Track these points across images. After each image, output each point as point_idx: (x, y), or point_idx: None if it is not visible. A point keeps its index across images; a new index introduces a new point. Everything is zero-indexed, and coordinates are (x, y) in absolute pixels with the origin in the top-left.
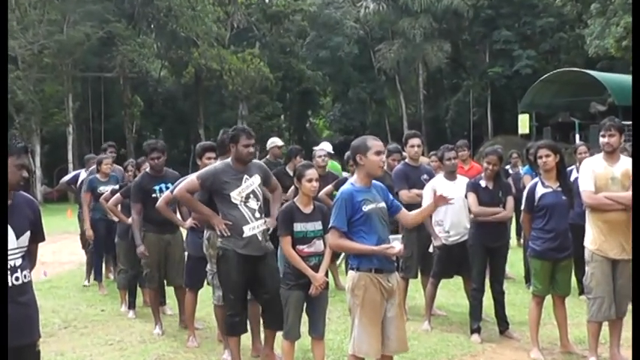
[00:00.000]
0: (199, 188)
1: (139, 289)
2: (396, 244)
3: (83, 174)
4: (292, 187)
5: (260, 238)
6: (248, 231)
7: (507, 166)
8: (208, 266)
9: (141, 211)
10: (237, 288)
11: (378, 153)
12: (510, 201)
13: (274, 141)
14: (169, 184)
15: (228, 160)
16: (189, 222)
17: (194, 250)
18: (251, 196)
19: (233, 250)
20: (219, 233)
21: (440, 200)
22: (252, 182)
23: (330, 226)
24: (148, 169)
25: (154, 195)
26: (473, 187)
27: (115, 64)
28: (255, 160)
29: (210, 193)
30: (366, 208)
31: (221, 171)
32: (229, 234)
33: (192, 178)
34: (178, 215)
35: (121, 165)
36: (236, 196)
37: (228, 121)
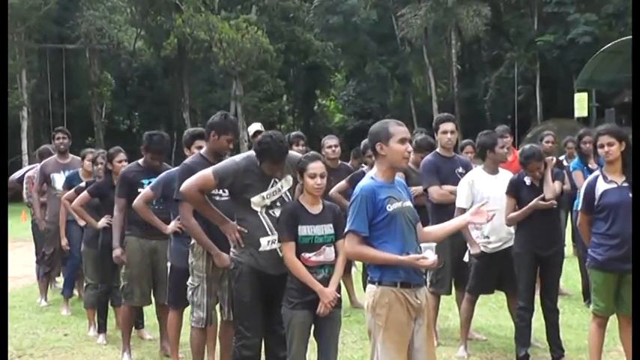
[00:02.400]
0: (214, 187)
1: (110, 308)
2: (428, 254)
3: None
4: (298, 185)
5: (281, 255)
6: (266, 244)
7: (562, 157)
8: (189, 279)
9: (124, 209)
10: (251, 312)
11: (403, 140)
12: (557, 184)
13: (255, 126)
14: None
15: (254, 154)
16: (173, 225)
17: (179, 260)
18: (277, 203)
19: (248, 265)
20: (232, 243)
21: (477, 217)
22: (282, 186)
23: (347, 229)
24: (140, 161)
25: (140, 190)
26: (515, 186)
27: (80, 33)
28: (291, 153)
29: (229, 192)
30: (390, 207)
31: (244, 170)
32: (243, 245)
33: (206, 174)
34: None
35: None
36: (258, 202)
37: (219, 102)
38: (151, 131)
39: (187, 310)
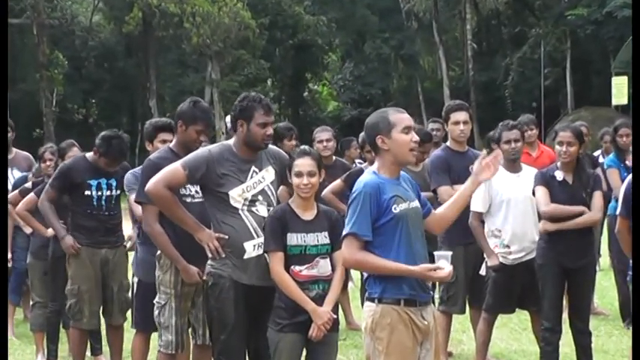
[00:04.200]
0: (185, 182)
1: (63, 331)
2: (443, 264)
3: None
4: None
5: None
6: (252, 250)
7: (597, 152)
8: (156, 297)
9: (54, 200)
10: (235, 336)
11: (407, 129)
12: (598, 198)
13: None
14: (113, 182)
15: (229, 142)
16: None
17: (147, 273)
18: (259, 197)
19: (230, 279)
20: (209, 254)
21: (486, 172)
22: (263, 178)
23: (346, 232)
24: (89, 155)
25: (87, 192)
26: (543, 179)
27: (25, 5)
28: (272, 147)
29: (201, 188)
30: (397, 208)
31: (218, 158)
32: (224, 255)
33: (173, 167)
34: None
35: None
36: (238, 195)
37: (191, 88)
38: (109, 132)
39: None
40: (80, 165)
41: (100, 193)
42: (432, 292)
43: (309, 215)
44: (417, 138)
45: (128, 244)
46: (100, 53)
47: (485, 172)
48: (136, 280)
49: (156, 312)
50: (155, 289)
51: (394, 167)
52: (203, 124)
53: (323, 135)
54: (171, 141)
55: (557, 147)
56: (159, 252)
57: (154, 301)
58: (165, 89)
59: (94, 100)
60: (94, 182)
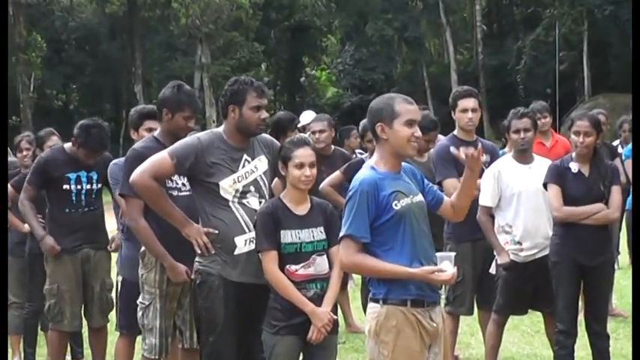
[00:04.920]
0: (173, 172)
1: (41, 333)
2: (446, 266)
3: None
4: (275, 180)
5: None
6: (243, 245)
7: (616, 142)
8: (140, 297)
9: (34, 198)
10: (225, 339)
11: (411, 123)
12: (616, 194)
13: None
14: (94, 175)
15: (219, 129)
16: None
17: (132, 271)
18: (251, 189)
19: (220, 277)
20: (197, 251)
21: (473, 160)
22: (256, 167)
23: (342, 234)
24: (67, 146)
25: (65, 186)
26: (557, 173)
27: None
28: (264, 135)
29: (189, 179)
30: (398, 205)
31: (208, 146)
32: (213, 251)
33: (160, 156)
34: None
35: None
36: (229, 186)
37: (180, 72)
38: (87, 121)
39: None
40: (58, 157)
41: (79, 187)
42: (440, 292)
43: (302, 210)
44: (419, 133)
45: (112, 246)
46: (82, 35)
47: (472, 163)
48: (120, 279)
49: (139, 313)
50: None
51: (394, 159)
52: (190, 110)
53: (316, 125)
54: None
55: (573, 137)
56: (143, 249)
57: (138, 302)
58: (152, 74)
59: (74, 86)
60: (72, 175)
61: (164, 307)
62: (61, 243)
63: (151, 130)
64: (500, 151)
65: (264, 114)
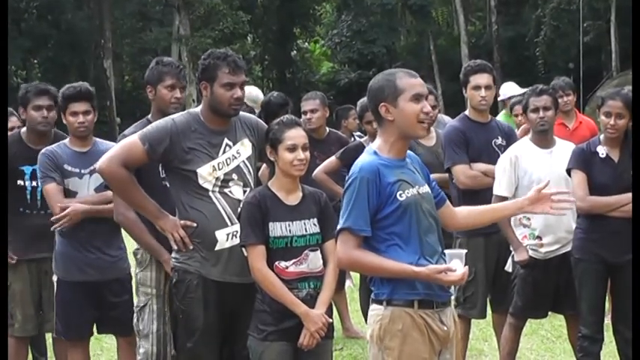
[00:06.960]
0: (145, 158)
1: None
2: (456, 265)
3: None
4: (263, 166)
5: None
6: (224, 240)
7: None
8: (135, 299)
9: None
10: (202, 340)
11: (418, 97)
12: None
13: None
14: None
15: (196, 110)
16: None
17: (67, 270)
18: (234, 177)
19: (199, 275)
20: (173, 246)
21: (539, 205)
22: (238, 152)
23: (339, 227)
24: (23, 131)
25: (19, 182)
26: (583, 158)
27: None
28: (245, 114)
29: (164, 167)
30: (402, 195)
31: (184, 129)
32: (191, 246)
33: (130, 140)
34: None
35: None
36: (208, 174)
37: (155, 45)
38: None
39: (111, 344)
40: (13, 145)
41: (35, 183)
42: (450, 292)
43: (293, 199)
44: (428, 108)
45: None
46: (44, 4)
47: (539, 207)
48: (55, 278)
49: (135, 318)
50: (78, 289)
51: (400, 144)
52: (172, 77)
53: (307, 105)
54: (88, 112)
55: (604, 118)
56: (136, 246)
57: (134, 306)
58: (123, 47)
59: (36, 61)
60: (28, 169)
61: (162, 309)
62: (16, 251)
63: (74, 113)
64: None
65: (238, 92)
